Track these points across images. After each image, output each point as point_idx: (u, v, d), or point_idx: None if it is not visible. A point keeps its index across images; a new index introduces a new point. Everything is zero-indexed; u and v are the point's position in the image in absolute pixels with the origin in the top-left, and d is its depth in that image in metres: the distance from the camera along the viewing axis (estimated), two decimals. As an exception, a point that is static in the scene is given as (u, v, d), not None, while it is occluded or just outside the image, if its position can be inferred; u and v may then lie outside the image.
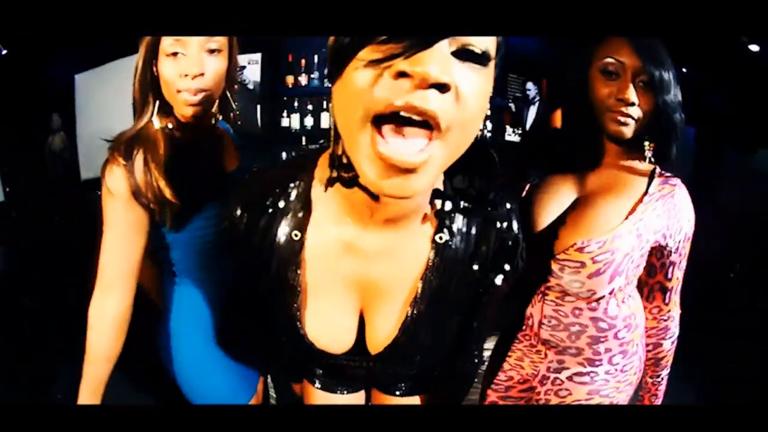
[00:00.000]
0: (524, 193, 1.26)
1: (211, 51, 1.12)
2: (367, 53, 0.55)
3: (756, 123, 3.14)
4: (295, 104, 3.86)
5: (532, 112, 4.05)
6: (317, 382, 1.21)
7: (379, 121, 0.56)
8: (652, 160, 1.17)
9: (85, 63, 2.80)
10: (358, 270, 0.80)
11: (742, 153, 3.35)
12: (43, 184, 2.69)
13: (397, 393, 1.21)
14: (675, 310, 1.28)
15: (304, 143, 3.93)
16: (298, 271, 0.79)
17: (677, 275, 1.22)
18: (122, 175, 1.08)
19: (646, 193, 1.14)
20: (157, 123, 1.14)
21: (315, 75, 3.80)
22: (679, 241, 1.17)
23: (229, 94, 1.23)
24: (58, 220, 2.51)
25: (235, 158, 1.32)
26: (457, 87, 0.56)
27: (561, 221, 1.19)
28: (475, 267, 0.82)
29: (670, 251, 1.18)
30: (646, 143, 1.14)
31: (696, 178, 3.82)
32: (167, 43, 1.08)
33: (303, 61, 3.76)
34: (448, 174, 0.79)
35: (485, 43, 0.58)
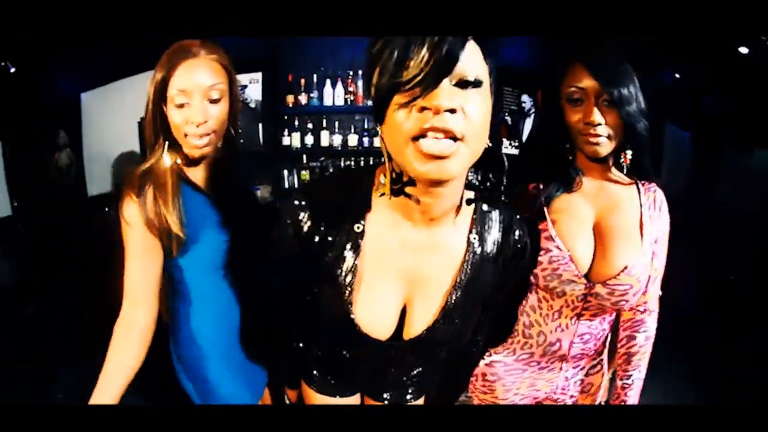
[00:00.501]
0: (547, 216, 1.27)
1: (212, 101, 1.22)
2: (398, 99, 0.76)
3: (754, 123, 3.17)
4: (296, 123, 3.92)
5: (528, 124, 4.10)
6: (315, 385, 1.25)
7: (415, 139, 0.77)
8: (629, 171, 1.25)
9: (91, 82, 2.88)
10: (408, 262, 0.96)
11: (741, 153, 3.37)
12: (49, 199, 2.73)
13: (386, 398, 1.24)
14: (652, 303, 1.31)
15: (305, 161, 3.99)
16: (358, 258, 0.95)
17: (656, 266, 1.27)
18: (136, 209, 1.20)
19: (641, 205, 1.24)
20: (167, 161, 1.25)
21: (314, 94, 3.87)
22: (661, 236, 1.27)
23: (232, 131, 1.33)
24: (63, 234, 2.55)
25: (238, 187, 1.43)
26: (462, 108, 0.75)
27: (598, 248, 1.24)
28: (499, 263, 1.01)
29: (655, 243, 1.26)
30: (621, 157, 1.22)
31: (695, 179, 3.85)
32: (173, 92, 1.19)
33: (303, 81, 3.84)
34: (472, 186, 0.96)
35: (476, 72, 0.76)
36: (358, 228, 0.94)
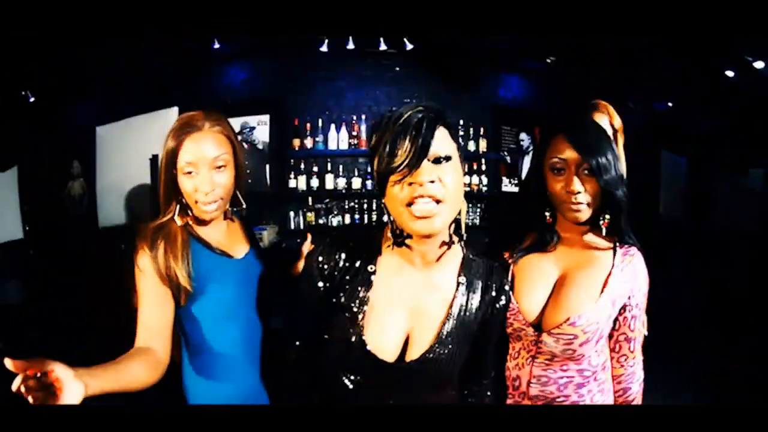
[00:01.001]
0: (511, 270, 1.38)
1: (218, 167, 1.33)
2: (393, 178, 1.02)
3: (745, 145, 3.24)
4: (302, 166, 4.04)
5: (526, 162, 4.19)
6: None
7: (408, 205, 1.03)
8: (608, 233, 1.32)
9: (106, 117, 3.02)
10: (409, 297, 1.17)
11: (734, 174, 3.43)
12: (60, 226, 2.79)
13: None
14: (639, 356, 1.38)
15: (310, 203, 4.07)
16: (369, 292, 1.16)
17: (638, 327, 1.34)
18: (149, 261, 1.30)
19: (613, 265, 1.31)
20: (178, 221, 1.36)
21: (320, 138, 4.00)
22: (640, 299, 1.33)
23: (239, 194, 1.44)
24: (71, 260, 2.59)
25: (244, 246, 1.51)
26: (440, 178, 1.02)
27: (551, 299, 1.32)
28: (484, 301, 1.22)
29: (632, 307, 1.32)
30: (601, 220, 1.31)
31: (694, 198, 3.89)
32: (182, 164, 1.31)
33: (308, 125, 3.98)
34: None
35: (446, 150, 1.04)
36: (371, 268, 1.18)
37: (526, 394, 1.36)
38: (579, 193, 1.25)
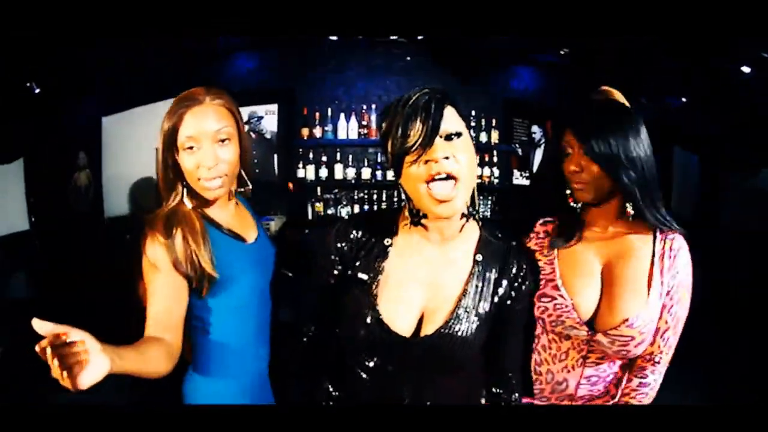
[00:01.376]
0: (555, 262, 1.34)
1: (222, 140, 1.26)
2: (409, 159, 1.06)
3: (755, 145, 3.18)
4: (310, 156, 4.00)
5: (538, 155, 4.13)
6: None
7: (426, 183, 1.06)
8: (634, 218, 1.27)
9: (112, 107, 3.01)
10: (426, 272, 1.18)
11: (742, 174, 3.37)
12: (66, 217, 2.80)
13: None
14: (659, 355, 1.29)
15: (319, 193, 4.04)
16: (385, 262, 1.19)
17: (667, 318, 1.26)
18: (163, 251, 1.22)
19: (653, 254, 1.26)
20: (188, 203, 1.30)
21: (329, 127, 3.95)
22: (678, 285, 1.26)
23: (243, 173, 1.38)
24: (78, 251, 2.60)
25: (254, 230, 1.45)
26: (453, 154, 1.04)
27: (603, 297, 1.28)
28: (505, 278, 1.22)
29: (669, 298, 1.26)
30: (627, 206, 1.27)
31: (703, 199, 3.83)
32: (182, 139, 1.24)
33: (317, 114, 3.94)
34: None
35: (456, 127, 1.07)
36: (387, 242, 1.21)
37: (572, 396, 1.31)
38: (576, 172, 1.25)
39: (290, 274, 1.59)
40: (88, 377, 0.84)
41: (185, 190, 1.30)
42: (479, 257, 1.20)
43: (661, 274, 1.25)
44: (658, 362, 1.28)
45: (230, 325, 1.34)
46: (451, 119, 1.07)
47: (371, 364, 1.18)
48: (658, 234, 1.28)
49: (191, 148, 1.24)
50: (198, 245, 1.23)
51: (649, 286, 1.24)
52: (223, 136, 1.26)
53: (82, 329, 0.85)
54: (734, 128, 3.24)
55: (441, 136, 1.05)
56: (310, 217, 4.04)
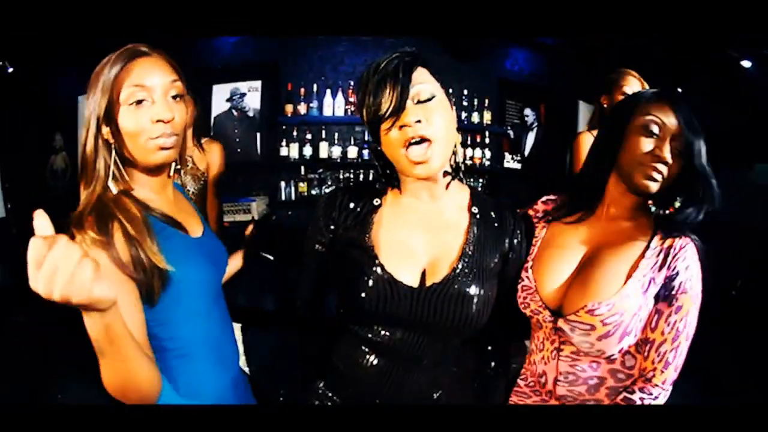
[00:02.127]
0: (536, 242, 1.30)
1: (175, 97, 1.11)
2: (384, 125, 1.07)
3: (752, 138, 3.23)
4: (294, 133, 3.88)
5: (530, 138, 4.12)
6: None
7: (405, 148, 1.07)
8: (662, 221, 1.18)
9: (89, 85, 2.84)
10: (424, 230, 1.18)
11: (740, 168, 3.42)
12: (44, 201, 2.67)
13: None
14: (658, 377, 1.15)
15: (303, 172, 3.93)
16: (377, 216, 1.21)
17: (670, 335, 1.13)
18: (100, 253, 0.98)
19: (647, 248, 1.15)
20: (113, 187, 1.08)
21: (314, 104, 3.83)
22: (675, 292, 1.13)
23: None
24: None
25: (198, 223, 1.29)
26: (426, 118, 1.05)
27: (571, 281, 1.20)
28: (503, 231, 1.23)
29: (668, 304, 1.14)
30: (677, 202, 1.17)
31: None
32: (129, 90, 1.06)
33: (302, 90, 3.81)
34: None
35: (428, 90, 1.07)
36: (377, 202, 1.22)
37: (552, 394, 1.24)
38: (666, 163, 1.11)
39: (271, 258, 1.55)
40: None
41: (111, 168, 1.08)
42: (475, 210, 1.22)
43: (652, 270, 1.13)
44: (650, 380, 1.15)
45: (192, 335, 1.17)
46: (421, 80, 1.07)
47: (378, 338, 1.16)
48: (658, 233, 1.17)
49: (141, 101, 1.06)
50: (141, 234, 1.03)
51: (629, 275, 1.13)
52: (176, 92, 1.10)
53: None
54: (733, 124, 3.27)
55: (413, 101, 1.07)
56: (293, 197, 3.93)
